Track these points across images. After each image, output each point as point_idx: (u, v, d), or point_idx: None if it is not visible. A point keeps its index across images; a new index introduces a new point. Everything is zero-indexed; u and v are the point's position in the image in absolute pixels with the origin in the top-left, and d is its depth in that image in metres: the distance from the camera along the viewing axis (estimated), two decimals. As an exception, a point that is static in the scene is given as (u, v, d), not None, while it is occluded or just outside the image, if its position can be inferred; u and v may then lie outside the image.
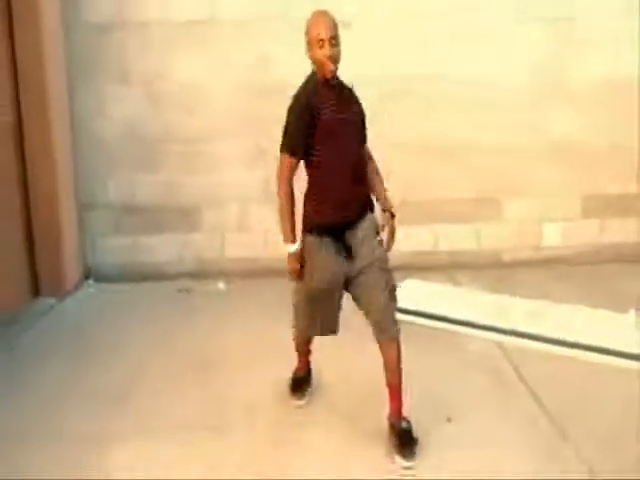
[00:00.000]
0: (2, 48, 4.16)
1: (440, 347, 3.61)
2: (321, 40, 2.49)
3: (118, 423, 2.90)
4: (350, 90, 2.69)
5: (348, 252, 2.62)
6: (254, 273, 4.83)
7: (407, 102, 4.76)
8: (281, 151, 2.58)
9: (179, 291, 4.60)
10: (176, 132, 4.75)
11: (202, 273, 4.84)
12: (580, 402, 3.03)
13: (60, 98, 4.50)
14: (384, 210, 2.74)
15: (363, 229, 2.65)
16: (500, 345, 3.62)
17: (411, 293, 4.40)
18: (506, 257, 4.97)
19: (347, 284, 2.68)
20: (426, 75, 4.73)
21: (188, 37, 4.64)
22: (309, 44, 2.55)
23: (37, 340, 3.83)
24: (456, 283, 4.61)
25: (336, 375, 3.31)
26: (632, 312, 3.99)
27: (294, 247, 2.61)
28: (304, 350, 3.06)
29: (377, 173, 2.79)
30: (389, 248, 2.72)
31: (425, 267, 4.76)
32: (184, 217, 4.87)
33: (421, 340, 3.60)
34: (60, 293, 4.46)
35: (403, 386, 2.67)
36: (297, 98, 2.58)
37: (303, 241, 2.65)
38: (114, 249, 4.85)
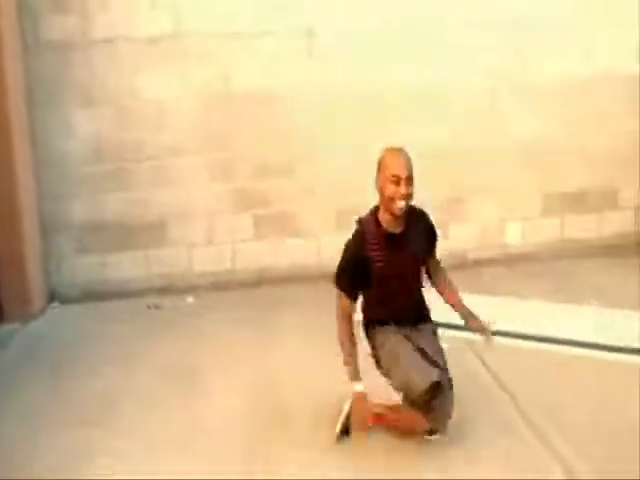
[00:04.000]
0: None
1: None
2: (397, 178, 2.52)
3: (93, 445, 2.86)
4: (412, 218, 2.69)
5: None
6: (223, 286, 4.81)
7: (372, 107, 4.81)
8: (336, 287, 2.70)
9: (148, 307, 4.55)
10: (141, 148, 4.72)
11: (171, 288, 4.81)
12: (552, 395, 3.10)
13: (21, 119, 4.42)
14: (465, 318, 2.78)
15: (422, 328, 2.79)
16: (469, 342, 3.67)
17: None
18: (471, 256, 5.06)
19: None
20: (389, 81, 4.79)
21: (152, 53, 4.62)
22: (382, 178, 2.58)
23: (2, 367, 3.74)
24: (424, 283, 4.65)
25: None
26: (594, 304, 4.12)
27: (361, 386, 2.62)
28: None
29: (449, 283, 2.86)
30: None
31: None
32: (150, 233, 4.83)
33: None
34: (25, 317, 4.36)
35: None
36: (348, 246, 2.70)
37: (369, 335, 2.78)
38: (79, 269, 4.77)
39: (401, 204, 2.53)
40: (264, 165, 4.84)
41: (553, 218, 5.21)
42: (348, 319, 2.66)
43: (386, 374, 2.68)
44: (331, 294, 4.63)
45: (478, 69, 4.90)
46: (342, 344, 2.64)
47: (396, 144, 2.66)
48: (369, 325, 2.80)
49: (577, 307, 4.11)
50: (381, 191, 2.58)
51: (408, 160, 2.57)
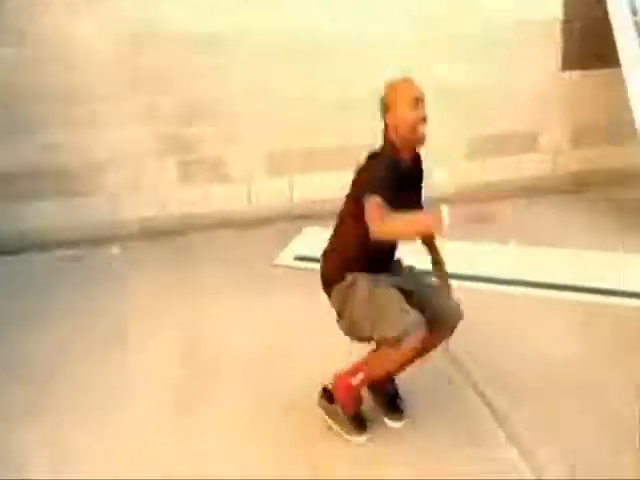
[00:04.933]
0: None
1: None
2: (416, 99, 2.35)
3: (15, 406, 2.78)
4: (418, 157, 2.58)
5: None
6: (150, 235, 4.69)
7: (290, 57, 4.70)
8: (369, 194, 2.21)
9: (69, 259, 4.38)
10: (58, 89, 4.43)
11: (94, 239, 4.64)
12: (474, 331, 3.23)
13: None
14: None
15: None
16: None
17: (312, 240, 4.47)
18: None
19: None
20: (320, 29, 4.68)
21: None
22: (396, 106, 2.37)
23: None
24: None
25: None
26: (512, 243, 4.29)
27: (443, 210, 2.16)
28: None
29: None
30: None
31: (326, 215, 4.80)
32: (71, 180, 4.61)
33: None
34: None
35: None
36: (378, 160, 2.39)
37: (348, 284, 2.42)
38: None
39: (424, 128, 2.37)
40: (192, 109, 4.67)
41: (476, 161, 5.33)
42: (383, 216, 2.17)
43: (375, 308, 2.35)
44: (259, 241, 4.65)
45: (405, 15, 4.86)
46: (395, 226, 2.19)
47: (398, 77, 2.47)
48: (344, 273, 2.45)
49: (498, 246, 4.28)
50: (398, 121, 2.38)
51: (418, 85, 2.42)
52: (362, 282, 2.40)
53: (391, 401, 2.67)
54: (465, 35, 4.99)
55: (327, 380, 2.59)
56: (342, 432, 2.53)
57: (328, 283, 2.51)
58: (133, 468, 2.39)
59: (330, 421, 2.57)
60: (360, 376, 2.45)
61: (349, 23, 4.76)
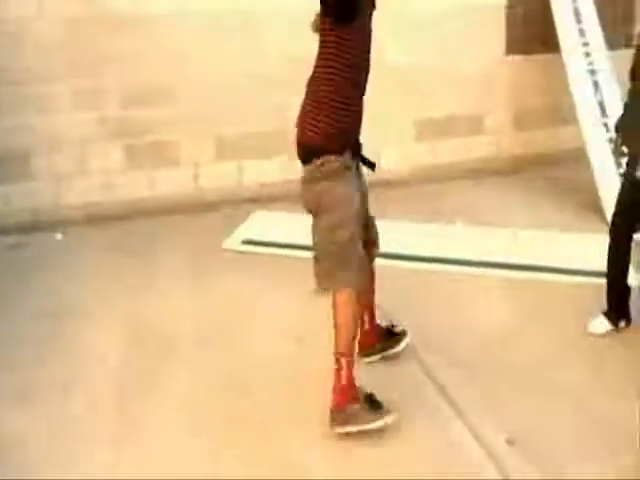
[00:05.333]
0: None
1: (289, 275, 3.59)
2: None
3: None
4: None
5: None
6: (95, 220, 4.59)
7: (247, 26, 4.64)
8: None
9: (11, 247, 4.26)
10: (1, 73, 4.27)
11: (37, 225, 4.51)
12: (421, 310, 3.31)
13: None
14: None
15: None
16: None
17: (260, 224, 4.47)
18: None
19: None
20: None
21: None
22: None
23: None
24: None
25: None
26: (458, 223, 4.40)
27: None
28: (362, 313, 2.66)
29: None
30: None
31: (275, 198, 4.81)
32: (13, 165, 4.46)
33: (270, 269, 3.70)
34: None
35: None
36: None
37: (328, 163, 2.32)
38: None
39: None
40: (138, 92, 4.58)
41: (424, 143, 5.41)
42: None
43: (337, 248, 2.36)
44: (207, 225, 4.61)
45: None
46: None
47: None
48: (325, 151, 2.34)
49: (444, 227, 4.37)
50: None
51: None
52: (341, 190, 2.35)
53: (389, 333, 2.80)
54: (413, 18, 5.03)
55: (277, 363, 2.60)
56: (366, 426, 2.36)
57: (313, 152, 2.35)
58: (75, 459, 2.35)
59: (351, 428, 2.37)
60: (343, 364, 2.38)
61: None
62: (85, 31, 4.38)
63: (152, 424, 2.54)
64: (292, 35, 4.73)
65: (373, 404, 2.42)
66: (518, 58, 5.39)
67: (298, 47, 4.82)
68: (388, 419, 2.38)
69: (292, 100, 4.72)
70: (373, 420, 2.38)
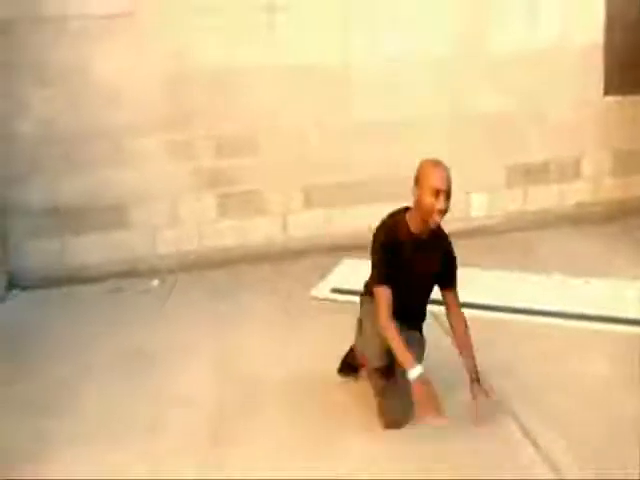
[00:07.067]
0: None
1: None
2: (438, 191, 2.52)
3: (54, 433, 2.81)
4: (437, 234, 2.70)
5: None
6: (188, 268, 4.75)
7: (335, 82, 4.77)
8: (377, 285, 2.64)
9: (110, 292, 4.46)
10: (98, 128, 4.58)
11: (134, 272, 4.71)
12: (516, 362, 3.14)
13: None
14: (469, 371, 2.70)
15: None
16: (434, 315, 3.69)
17: (349, 272, 4.45)
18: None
19: None
20: (351, 55, 4.76)
21: (106, 30, 4.46)
22: (421, 187, 2.57)
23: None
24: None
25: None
26: (555, 274, 4.18)
27: (417, 370, 2.48)
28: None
29: (465, 328, 2.77)
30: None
31: (364, 246, 4.79)
32: (111, 215, 4.72)
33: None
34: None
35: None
36: (379, 236, 2.66)
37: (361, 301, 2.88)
38: (39, 254, 4.65)
39: (437, 218, 2.56)
40: (226, 143, 4.76)
41: (516, 189, 5.25)
42: (389, 310, 2.59)
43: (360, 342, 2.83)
44: (296, 273, 4.65)
45: (441, 37, 4.89)
46: (391, 339, 2.54)
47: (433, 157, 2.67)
48: (366, 294, 2.85)
49: (541, 277, 4.17)
50: (418, 201, 2.59)
51: (448, 174, 2.58)
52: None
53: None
54: (508, 60, 4.97)
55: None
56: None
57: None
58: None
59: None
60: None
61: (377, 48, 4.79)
62: (179, 86, 4.61)
63: (239, 463, 2.52)
64: (369, 85, 4.83)
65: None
66: (616, 99, 5.18)
67: (373, 97, 4.89)
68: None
69: (375, 148, 4.84)
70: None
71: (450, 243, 2.78)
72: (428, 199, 2.53)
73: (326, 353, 3.27)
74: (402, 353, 2.51)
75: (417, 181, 2.61)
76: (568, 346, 3.31)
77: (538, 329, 3.51)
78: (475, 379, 2.67)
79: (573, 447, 2.50)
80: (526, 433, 2.62)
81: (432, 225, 2.58)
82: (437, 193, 2.52)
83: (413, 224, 2.65)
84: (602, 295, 3.87)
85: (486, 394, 2.65)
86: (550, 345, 3.32)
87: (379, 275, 2.64)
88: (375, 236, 2.68)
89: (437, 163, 2.62)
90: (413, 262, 2.64)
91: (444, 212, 2.56)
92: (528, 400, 2.82)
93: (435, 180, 2.54)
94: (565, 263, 4.27)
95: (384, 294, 2.59)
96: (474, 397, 2.65)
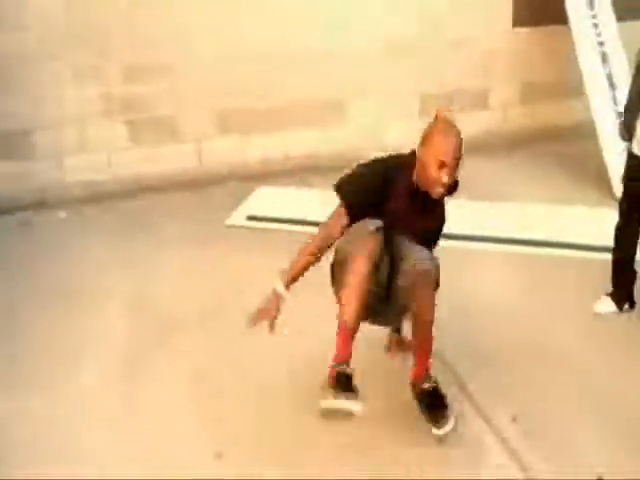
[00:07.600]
0: None
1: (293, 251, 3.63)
2: (443, 163, 2.22)
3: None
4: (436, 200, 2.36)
5: None
6: (99, 198, 4.57)
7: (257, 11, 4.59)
8: (336, 192, 2.31)
9: (20, 224, 4.25)
10: (3, 50, 4.23)
11: (41, 203, 4.50)
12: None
13: None
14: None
15: None
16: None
17: (264, 200, 4.45)
18: (351, 157, 5.11)
19: None
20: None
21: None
22: (426, 153, 2.25)
23: None
24: (309, 185, 4.64)
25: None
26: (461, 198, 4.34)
27: (282, 289, 2.25)
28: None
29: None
30: None
31: (277, 173, 4.79)
32: (14, 143, 4.44)
33: (273, 244, 3.69)
34: None
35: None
36: (372, 161, 2.37)
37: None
38: None
39: (440, 190, 2.26)
40: (140, 68, 4.53)
41: (429, 117, 5.33)
42: (325, 239, 2.28)
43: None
44: (211, 201, 4.59)
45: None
46: (298, 254, 2.28)
47: (447, 115, 2.37)
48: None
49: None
50: (422, 165, 2.27)
51: (459, 142, 2.27)
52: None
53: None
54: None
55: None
56: None
57: None
58: (81, 438, 2.39)
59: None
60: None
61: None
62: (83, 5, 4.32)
63: (156, 394, 2.58)
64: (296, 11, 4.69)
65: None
66: (525, 30, 5.30)
67: (296, 23, 4.75)
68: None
69: (295, 74, 4.76)
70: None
71: (444, 210, 2.51)
72: (432, 170, 2.23)
73: (243, 282, 3.31)
74: (291, 265, 2.28)
75: (423, 142, 2.30)
76: (477, 269, 3.47)
77: (451, 252, 3.64)
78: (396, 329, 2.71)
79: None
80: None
81: (434, 196, 2.29)
82: (442, 165, 2.22)
83: (415, 174, 2.33)
84: (503, 217, 4.07)
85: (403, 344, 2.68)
86: (462, 268, 3.41)
87: (349, 191, 2.29)
88: (370, 161, 2.38)
89: (449, 130, 2.30)
90: (403, 213, 2.31)
91: (448, 185, 2.26)
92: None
93: (442, 151, 2.23)
94: (472, 188, 4.42)
95: (334, 225, 2.27)
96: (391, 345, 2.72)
